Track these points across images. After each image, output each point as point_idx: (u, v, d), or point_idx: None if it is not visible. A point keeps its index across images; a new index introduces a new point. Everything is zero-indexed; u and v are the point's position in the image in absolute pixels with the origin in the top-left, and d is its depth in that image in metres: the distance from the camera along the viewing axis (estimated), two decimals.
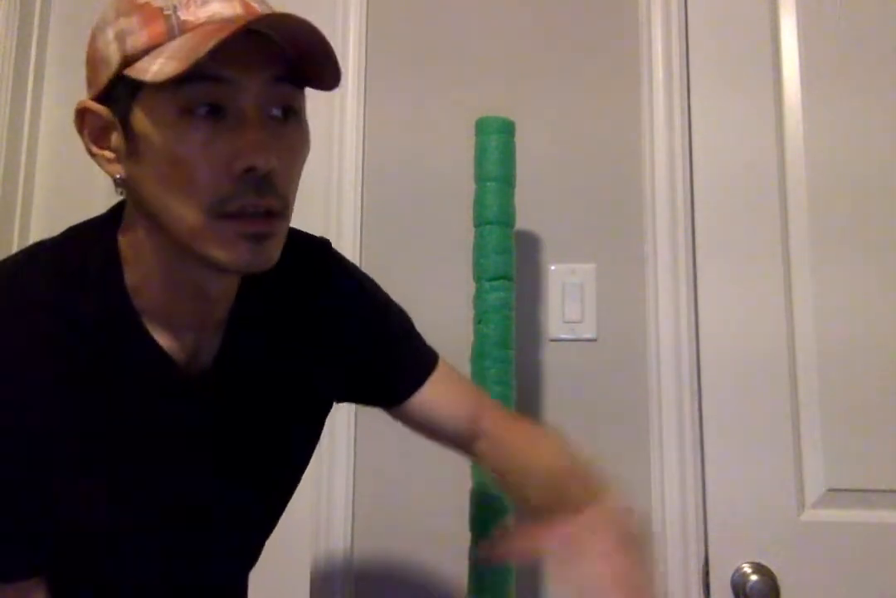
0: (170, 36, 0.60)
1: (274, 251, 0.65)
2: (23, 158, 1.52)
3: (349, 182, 1.40)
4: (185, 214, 0.62)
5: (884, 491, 1.21)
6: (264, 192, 0.62)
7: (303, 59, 0.64)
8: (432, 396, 0.90)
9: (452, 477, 1.25)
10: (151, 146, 0.62)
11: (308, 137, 0.68)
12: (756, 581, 1.19)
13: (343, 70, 1.49)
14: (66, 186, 1.51)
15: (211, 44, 0.56)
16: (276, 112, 0.64)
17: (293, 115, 0.65)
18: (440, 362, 0.92)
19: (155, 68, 0.58)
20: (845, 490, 1.22)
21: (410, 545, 1.31)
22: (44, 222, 1.52)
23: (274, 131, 0.63)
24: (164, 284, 0.68)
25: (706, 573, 1.22)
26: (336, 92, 1.41)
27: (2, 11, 1.51)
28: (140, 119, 0.62)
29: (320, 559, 1.31)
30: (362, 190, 1.41)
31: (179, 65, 0.57)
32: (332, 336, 0.82)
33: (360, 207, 1.40)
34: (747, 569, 1.20)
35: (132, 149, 0.63)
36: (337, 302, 0.83)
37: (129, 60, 0.61)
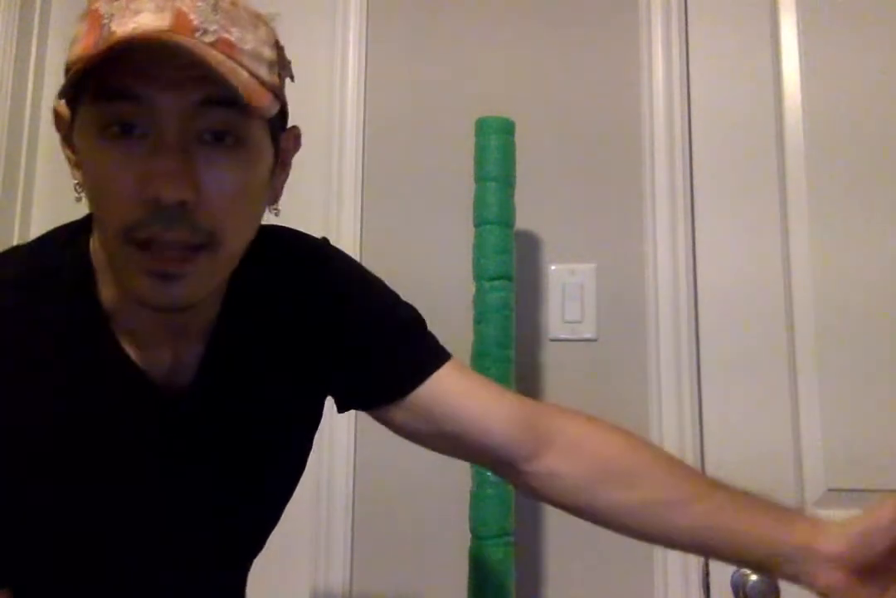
0: (95, 48, 0.56)
1: (191, 290, 0.60)
2: (23, 158, 1.52)
3: (349, 182, 1.40)
4: (103, 235, 0.60)
5: (884, 491, 1.21)
6: (173, 223, 0.56)
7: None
8: (449, 388, 0.76)
9: (452, 478, 1.25)
10: (82, 161, 0.60)
11: (256, 163, 0.62)
12: (756, 581, 1.19)
13: (343, 70, 1.50)
14: (65, 187, 1.51)
15: (81, 64, 0.53)
16: (209, 137, 0.58)
17: (235, 140, 0.59)
18: (457, 360, 0.80)
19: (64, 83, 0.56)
20: (845, 490, 1.22)
21: (410, 547, 1.31)
22: (44, 222, 1.52)
23: (202, 158, 0.58)
24: (126, 295, 0.63)
25: (706, 574, 1.22)
26: (336, 92, 1.42)
27: (2, 11, 1.51)
28: (76, 132, 0.60)
29: (320, 555, 1.31)
30: (362, 190, 1.41)
31: (67, 82, 0.54)
32: (330, 335, 0.76)
33: (360, 207, 1.40)
34: (747, 569, 1.20)
35: (77, 157, 0.62)
36: (333, 299, 0.76)
37: (67, 70, 0.58)
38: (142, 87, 0.56)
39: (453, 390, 0.77)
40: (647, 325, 1.30)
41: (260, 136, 0.62)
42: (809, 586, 0.67)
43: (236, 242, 0.62)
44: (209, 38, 0.57)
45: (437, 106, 1.42)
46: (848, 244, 1.27)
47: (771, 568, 0.70)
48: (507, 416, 0.76)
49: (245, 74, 0.58)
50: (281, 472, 0.78)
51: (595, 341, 1.32)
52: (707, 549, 0.73)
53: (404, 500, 1.32)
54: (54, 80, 1.57)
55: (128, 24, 0.56)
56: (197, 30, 0.57)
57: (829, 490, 1.22)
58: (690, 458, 1.25)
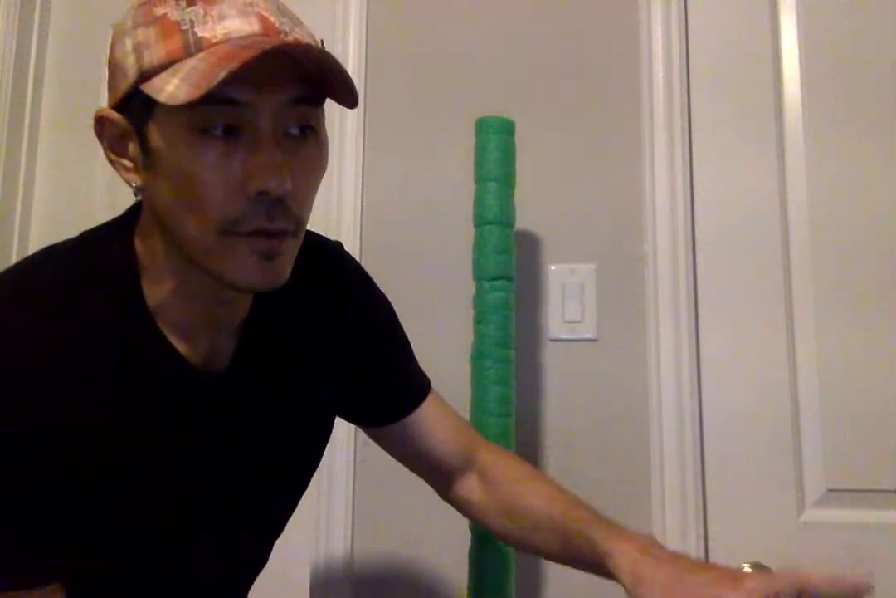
0: (186, 53, 0.59)
1: (284, 269, 0.65)
2: (23, 158, 1.52)
3: (349, 182, 1.40)
4: (196, 230, 0.62)
5: (884, 491, 1.21)
6: (276, 215, 0.61)
7: (321, 77, 0.62)
8: (427, 417, 0.90)
9: None
10: (166, 162, 0.62)
11: (326, 152, 0.67)
12: None
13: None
14: (65, 187, 1.51)
15: (223, 73, 0.55)
16: (294, 130, 0.63)
17: (311, 132, 0.64)
18: (432, 388, 0.93)
19: (169, 89, 0.58)
20: (845, 490, 1.22)
21: (410, 546, 1.31)
22: (44, 223, 1.52)
23: (290, 150, 0.62)
24: (180, 290, 0.68)
25: None
26: None
27: (2, 11, 1.51)
28: (155, 134, 0.62)
29: (320, 557, 1.31)
30: (362, 190, 1.41)
31: (193, 90, 0.56)
32: (344, 343, 0.83)
33: (360, 207, 1.40)
34: (747, 569, 1.20)
35: (148, 161, 0.63)
36: (351, 310, 0.83)
37: (145, 75, 0.60)
38: (243, 92, 0.59)
39: (428, 419, 0.90)
40: (647, 325, 1.30)
41: (324, 126, 0.67)
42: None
43: (305, 227, 0.67)
44: (290, 39, 0.61)
45: (437, 106, 1.42)
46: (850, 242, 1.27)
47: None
48: (455, 445, 0.92)
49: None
50: (303, 455, 0.84)
51: (595, 341, 1.32)
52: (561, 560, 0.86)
53: (404, 499, 1.32)
54: (54, 79, 1.56)
55: (217, 30, 0.60)
56: (280, 32, 0.61)
57: (829, 490, 1.22)
58: (690, 458, 1.25)
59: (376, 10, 1.46)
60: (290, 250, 0.65)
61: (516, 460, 0.95)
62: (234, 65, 0.56)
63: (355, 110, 1.42)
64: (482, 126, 1.24)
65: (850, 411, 1.23)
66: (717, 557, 1.22)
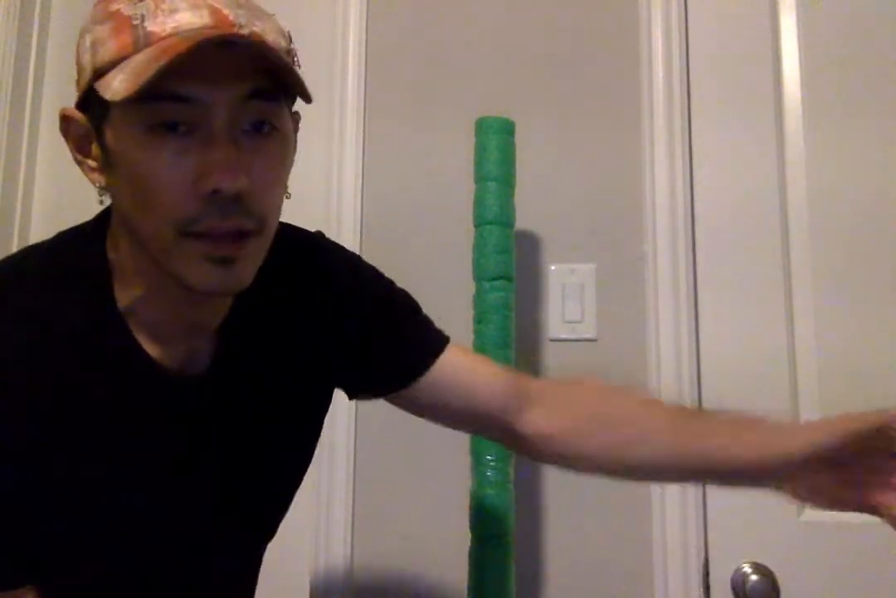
0: (135, 48, 0.58)
1: (244, 273, 0.63)
2: (23, 159, 1.52)
3: (349, 182, 1.40)
4: (154, 231, 0.61)
5: None
6: (230, 213, 0.59)
7: (280, 70, 0.60)
8: (454, 367, 0.83)
9: (452, 479, 1.25)
10: (122, 161, 0.60)
11: (289, 148, 0.65)
12: (756, 581, 1.19)
13: (343, 70, 1.50)
14: (65, 187, 1.51)
15: (157, 65, 0.54)
16: (249, 127, 0.61)
17: (271, 128, 0.62)
18: (453, 343, 0.86)
19: (115, 86, 0.57)
20: None
21: (410, 547, 1.31)
22: (44, 222, 1.52)
23: (248, 148, 0.60)
24: (151, 292, 0.67)
25: (706, 574, 1.22)
26: (336, 92, 1.42)
27: (2, 11, 1.51)
28: (110, 133, 0.61)
29: (320, 558, 1.31)
30: (362, 190, 1.41)
31: (131, 85, 0.55)
32: (334, 324, 0.80)
33: (360, 207, 1.40)
34: (747, 569, 1.20)
35: (107, 161, 0.62)
36: (335, 289, 0.80)
37: (98, 73, 0.59)
38: (191, 87, 0.58)
39: (457, 369, 0.84)
40: (647, 325, 1.30)
41: (287, 122, 0.65)
42: (792, 494, 0.76)
43: (275, 225, 0.65)
44: (245, 32, 0.60)
45: (437, 106, 1.42)
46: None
47: (753, 485, 0.78)
48: (502, 387, 0.85)
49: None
50: (291, 457, 0.81)
51: (595, 341, 1.32)
52: (696, 476, 0.82)
53: (404, 500, 1.32)
54: (54, 79, 1.56)
55: (167, 24, 0.58)
56: (234, 25, 0.59)
57: None
58: None
59: (376, 10, 1.46)
60: (254, 252, 0.63)
61: (573, 380, 0.88)
62: (167, 57, 0.54)
63: (355, 109, 1.42)
64: (482, 126, 1.24)
65: (850, 411, 1.23)
66: (717, 557, 1.22)
